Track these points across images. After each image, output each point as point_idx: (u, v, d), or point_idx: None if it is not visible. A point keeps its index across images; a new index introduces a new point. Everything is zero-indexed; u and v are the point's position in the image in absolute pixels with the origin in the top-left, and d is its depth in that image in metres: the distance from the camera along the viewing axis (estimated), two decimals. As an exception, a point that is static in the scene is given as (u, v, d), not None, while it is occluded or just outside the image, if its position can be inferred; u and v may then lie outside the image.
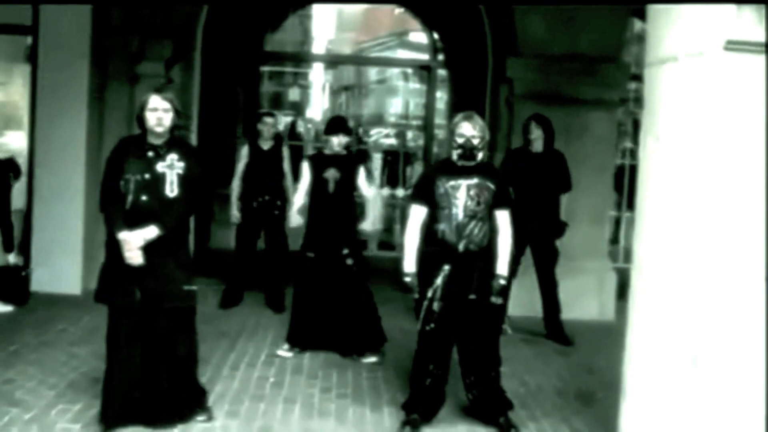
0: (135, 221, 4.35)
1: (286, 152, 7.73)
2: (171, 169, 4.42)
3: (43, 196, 7.78)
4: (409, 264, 4.73)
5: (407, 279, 4.72)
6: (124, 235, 4.34)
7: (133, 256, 4.34)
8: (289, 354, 6.12)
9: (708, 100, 3.52)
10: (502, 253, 4.77)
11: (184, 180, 4.44)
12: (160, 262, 4.39)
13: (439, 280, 4.64)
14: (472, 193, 4.67)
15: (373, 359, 6.08)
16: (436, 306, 4.63)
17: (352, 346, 6.15)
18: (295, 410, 4.97)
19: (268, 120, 7.67)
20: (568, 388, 5.67)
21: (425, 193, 4.77)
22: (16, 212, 8.13)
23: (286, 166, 7.65)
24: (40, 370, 5.43)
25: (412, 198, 4.95)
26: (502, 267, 4.75)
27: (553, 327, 7.02)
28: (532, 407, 5.20)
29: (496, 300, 4.71)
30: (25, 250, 7.98)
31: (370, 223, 6.30)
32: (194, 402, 4.67)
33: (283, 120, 14.22)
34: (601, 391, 5.37)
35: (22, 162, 7.99)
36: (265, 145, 7.60)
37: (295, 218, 6.35)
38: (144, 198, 4.37)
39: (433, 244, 4.71)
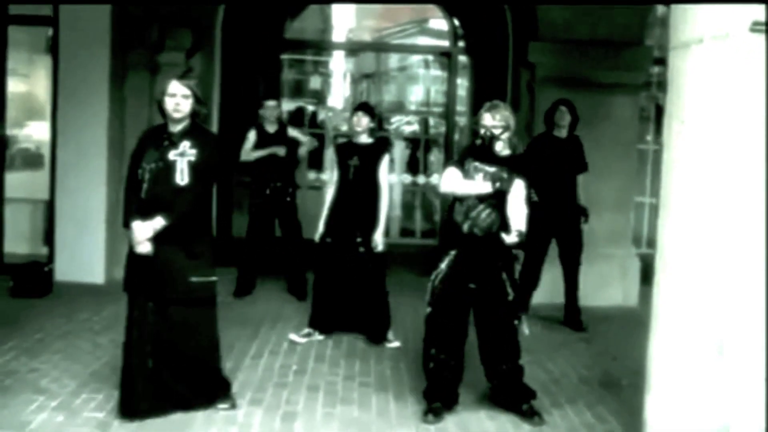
0: (149, 210, 4.35)
1: (293, 131, 7.80)
2: (182, 156, 4.39)
3: (66, 187, 7.83)
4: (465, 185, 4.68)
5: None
6: (133, 225, 4.37)
7: (141, 246, 4.36)
8: (303, 340, 6.15)
9: (734, 82, 3.46)
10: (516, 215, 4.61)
11: (194, 168, 4.39)
12: (168, 252, 4.38)
13: (444, 265, 4.69)
14: (488, 179, 4.65)
15: (396, 344, 6.13)
16: (436, 289, 4.68)
17: (375, 331, 6.21)
18: (319, 398, 4.98)
19: (269, 104, 7.68)
20: (591, 375, 5.64)
21: (459, 167, 4.78)
22: (39, 203, 8.21)
23: (301, 136, 7.79)
24: (64, 359, 5.48)
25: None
26: (518, 223, 4.58)
27: (570, 312, 6.97)
28: (556, 394, 5.17)
29: (510, 239, 4.55)
30: (49, 240, 8.05)
31: (380, 235, 6.12)
32: (215, 391, 4.67)
33: (306, 108, 14.22)
34: (626, 378, 5.34)
35: (45, 152, 8.05)
36: (271, 128, 7.62)
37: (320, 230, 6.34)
38: (157, 187, 4.37)
39: (447, 226, 4.79)
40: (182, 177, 4.37)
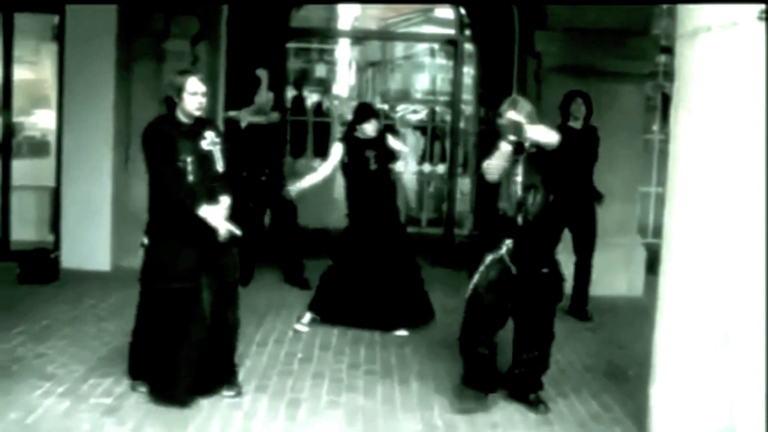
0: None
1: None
2: (215, 146, 4.56)
3: (72, 174, 7.84)
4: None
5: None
6: (208, 211, 4.43)
7: (225, 227, 4.47)
8: (306, 328, 6.15)
9: (742, 71, 3.45)
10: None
11: (225, 155, 4.61)
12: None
13: (502, 251, 4.60)
14: (527, 167, 4.63)
15: (403, 332, 6.12)
16: (497, 272, 4.59)
17: (388, 319, 6.18)
18: (324, 385, 5.00)
19: (261, 92, 7.70)
20: (597, 364, 5.64)
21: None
22: (45, 190, 8.22)
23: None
24: (71, 344, 5.51)
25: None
26: None
27: (577, 302, 6.96)
28: (562, 384, 5.17)
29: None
30: (55, 227, 8.07)
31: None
32: (222, 377, 4.70)
33: (311, 96, 14.22)
34: (631, 368, 5.34)
35: (51, 140, 8.05)
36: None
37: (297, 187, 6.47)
38: (201, 176, 4.47)
39: (492, 225, 4.71)
40: (220, 165, 4.57)
